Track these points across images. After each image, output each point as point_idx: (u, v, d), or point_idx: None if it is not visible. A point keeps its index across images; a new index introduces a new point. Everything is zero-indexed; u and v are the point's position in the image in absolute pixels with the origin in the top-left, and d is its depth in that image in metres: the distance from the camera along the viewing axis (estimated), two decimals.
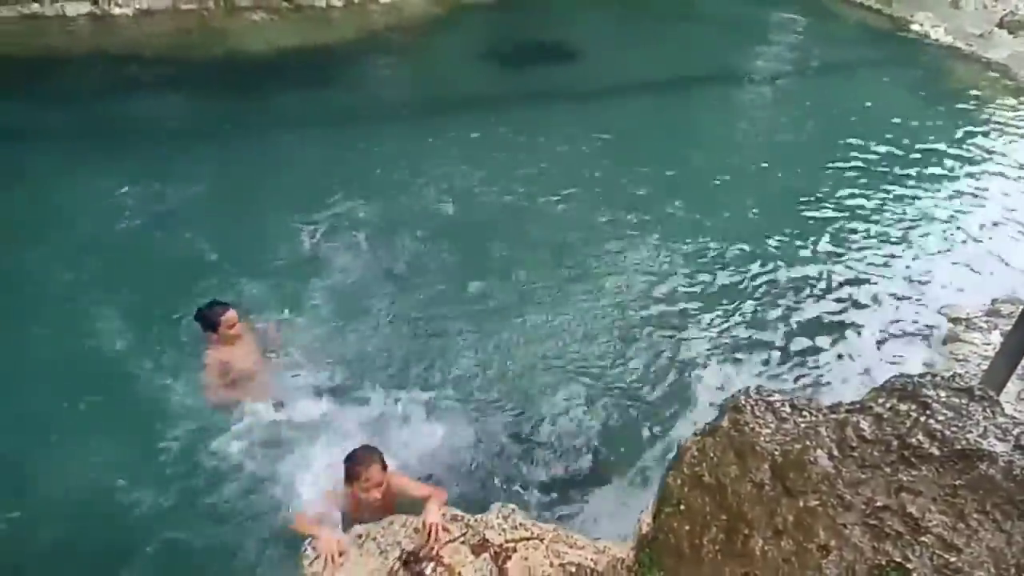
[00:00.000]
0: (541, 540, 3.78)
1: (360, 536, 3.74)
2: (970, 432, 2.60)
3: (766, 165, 8.68)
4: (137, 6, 10.95)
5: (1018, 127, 10.08)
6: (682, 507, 3.06)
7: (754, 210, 7.67)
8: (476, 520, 3.89)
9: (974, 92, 11.14)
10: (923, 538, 2.38)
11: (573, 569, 3.57)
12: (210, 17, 11.13)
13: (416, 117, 9.21)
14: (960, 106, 10.65)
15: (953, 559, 2.28)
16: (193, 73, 9.71)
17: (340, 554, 3.57)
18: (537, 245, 6.85)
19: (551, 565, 3.58)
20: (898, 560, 2.33)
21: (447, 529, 3.68)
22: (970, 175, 8.79)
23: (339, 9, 11.99)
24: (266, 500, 4.38)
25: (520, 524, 3.88)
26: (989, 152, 9.40)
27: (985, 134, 9.84)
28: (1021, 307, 4.09)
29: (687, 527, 2.99)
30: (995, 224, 7.72)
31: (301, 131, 8.56)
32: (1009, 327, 4.24)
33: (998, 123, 10.18)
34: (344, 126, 8.82)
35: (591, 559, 3.64)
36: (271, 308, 5.78)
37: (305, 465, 4.49)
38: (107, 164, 7.45)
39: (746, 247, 6.96)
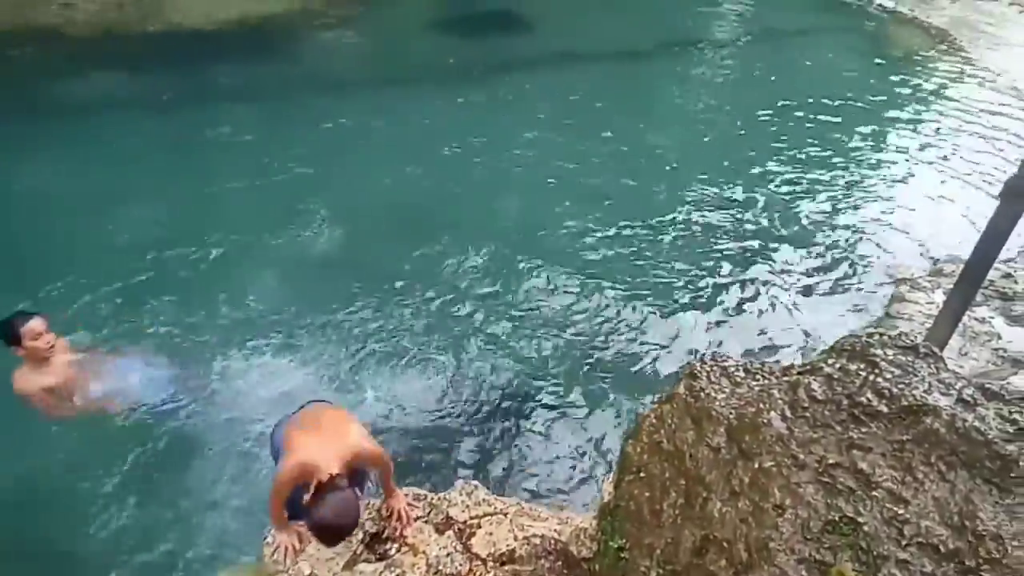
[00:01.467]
0: (505, 515, 3.80)
1: None
2: (916, 388, 2.67)
3: (714, 132, 8.76)
4: None
5: (957, 90, 10.35)
6: (642, 474, 3.10)
7: (703, 176, 7.74)
8: (439, 498, 3.88)
9: (916, 56, 11.39)
10: (874, 492, 2.44)
11: (538, 541, 3.59)
12: None
13: (362, 89, 9.01)
14: (902, 70, 10.89)
15: (901, 511, 2.35)
16: (128, 49, 9.32)
17: (300, 542, 3.52)
18: (490, 218, 6.80)
19: (515, 539, 3.60)
20: (850, 515, 2.39)
21: (410, 512, 3.66)
22: (912, 139, 9.01)
23: None
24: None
25: (483, 500, 3.89)
26: (929, 115, 9.64)
27: (925, 98, 10.09)
28: (962, 266, 4.22)
29: (647, 493, 3.02)
30: (937, 186, 7.95)
31: (244, 106, 8.31)
32: (951, 286, 4.37)
33: (937, 86, 10.44)
34: (288, 100, 8.59)
35: (555, 530, 3.68)
36: (215, 286, 5.65)
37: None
38: (31, 148, 7.13)
39: (697, 214, 7.03)
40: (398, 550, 3.53)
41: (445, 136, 8.14)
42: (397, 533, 3.58)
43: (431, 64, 10.06)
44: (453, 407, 4.86)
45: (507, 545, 3.56)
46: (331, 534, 3.16)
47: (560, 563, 3.49)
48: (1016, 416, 2.50)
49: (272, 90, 8.78)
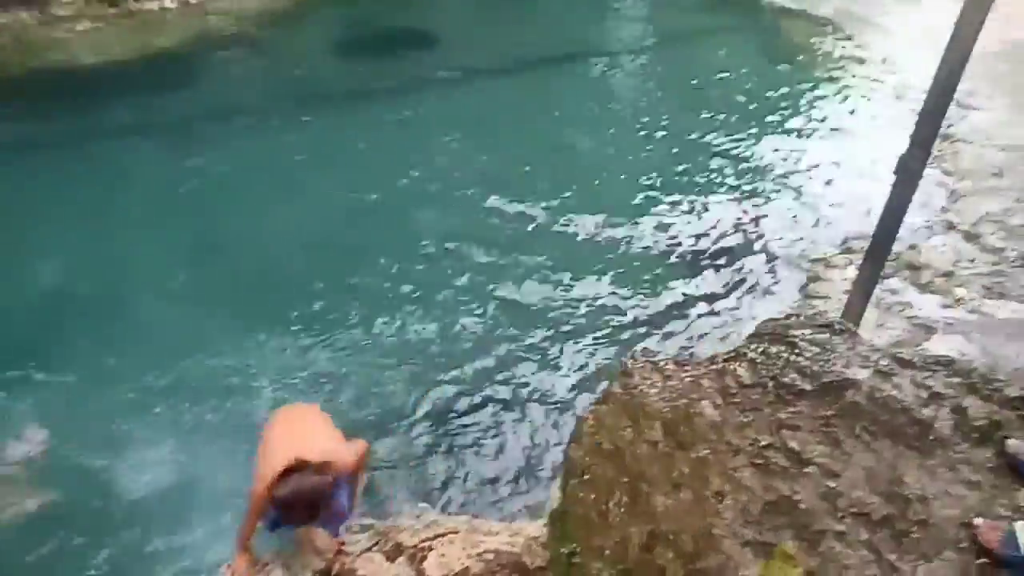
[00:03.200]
0: (456, 534, 3.75)
1: (267, 564, 3.56)
2: (835, 364, 2.78)
3: (621, 135, 8.96)
4: None
5: (848, 76, 10.93)
6: (586, 476, 3.10)
7: (617, 178, 7.90)
8: (387, 526, 3.80)
9: (807, 47, 11.98)
10: (806, 469, 2.52)
11: (491, 556, 3.56)
12: (24, 30, 10.08)
13: (268, 117, 8.77)
14: (795, 60, 11.43)
15: (834, 484, 2.43)
16: (10, 91, 8.79)
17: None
18: (410, 234, 6.73)
19: (469, 556, 3.55)
20: (787, 494, 2.46)
21: (344, 545, 3.57)
22: (811, 126, 9.45)
23: (173, 11, 11.20)
24: None
25: (433, 522, 3.83)
26: (824, 102, 10.14)
27: (819, 86, 10.61)
28: (868, 242, 4.43)
29: (593, 495, 3.03)
30: (839, 168, 8.35)
31: (143, 143, 7.97)
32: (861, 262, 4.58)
33: (830, 74, 11.00)
34: (191, 132, 8.28)
35: (507, 543, 3.65)
36: (113, 335, 5.40)
37: None
38: None
39: (612, 216, 7.14)
40: None
41: (358, 155, 8.04)
42: (346, 567, 3.48)
43: (338, 85, 9.91)
44: (389, 432, 4.76)
45: (461, 564, 3.51)
46: (289, 507, 3.10)
47: (517, 575, 3.46)
48: (928, 382, 2.63)
49: (173, 122, 8.45)
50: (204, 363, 5.23)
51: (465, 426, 4.83)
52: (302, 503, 3.08)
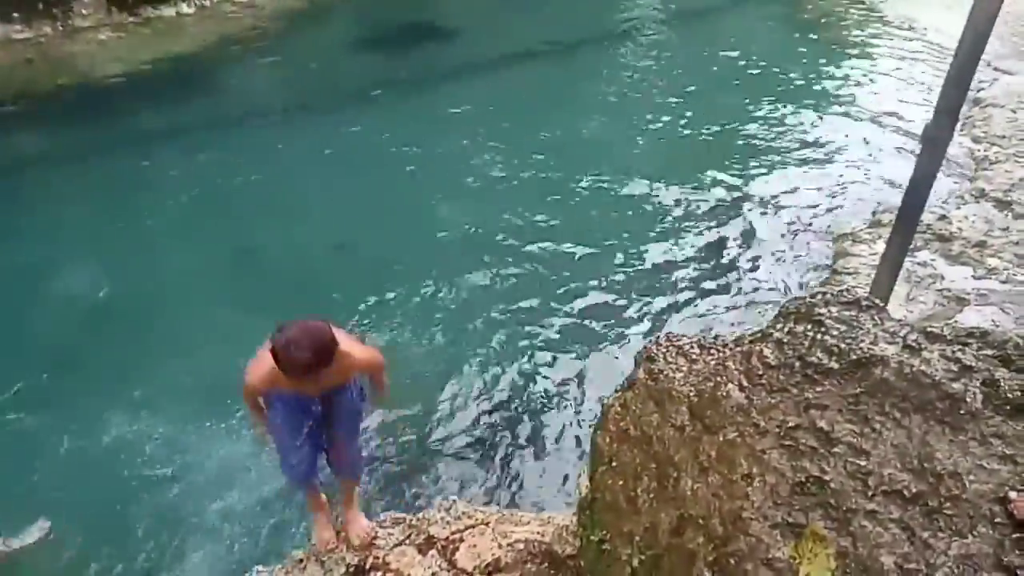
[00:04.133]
0: (487, 525, 3.77)
1: (301, 560, 3.63)
2: (862, 341, 2.72)
3: (645, 116, 8.87)
4: None
5: (872, 45, 10.69)
6: (614, 463, 3.10)
7: (640, 159, 7.83)
8: (418, 519, 3.84)
9: (831, 16, 11.72)
10: (835, 449, 2.48)
11: (522, 546, 3.58)
12: (49, 44, 10.29)
13: (289, 117, 8.87)
14: (819, 31, 11.19)
15: (864, 463, 2.39)
16: (39, 106, 8.99)
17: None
18: (438, 226, 6.76)
19: (499, 547, 3.58)
20: (816, 474, 2.42)
21: (376, 538, 3.61)
22: (835, 97, 9.26)
23: (191, 16, 11.34)
24: None
25: (463, 514, 3.86)
26: (849, 72, 9.93)
27: (843, 56, 10.39)
28: (895, 215, 4.33)
29: (621, 482, 3.02)
30: (866, 141, 8.17)
31: (168, 150, 8.10)
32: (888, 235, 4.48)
33: (853, 43, 10.76)
34: (215, 139, 8.39)
35: (538, 532, 3.67)
36: (148, 341, 5.49)
37: None
38: None
39: (634, 199, 7.10)
40: None
41: (384, 151, 8.08)
42: (379, 560, 3.52)
43: (358, 82, 9.96)
44: (419, 426, 4.80)
45: (492, 555, 3.53)
46: (292, 350, 2.70)
47: (546, 564, 3.48)
48: (958, 355, 2.57)
49: (197, 128, 8.58)
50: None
51: (492, 418, 4.85)
52: (306, 342, 2.69)
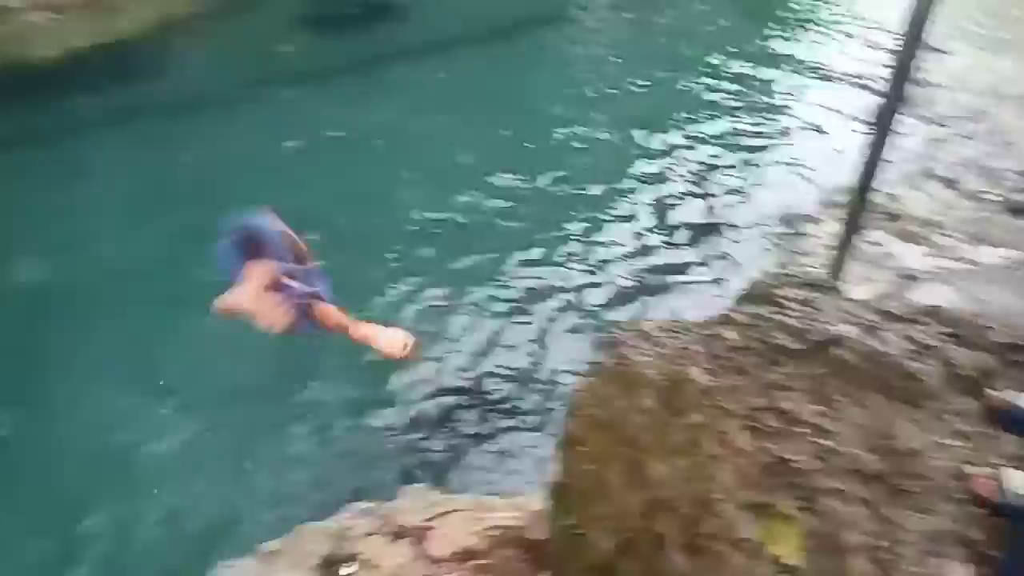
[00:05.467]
0: (459, 512, 3.77)
1: (269, 554, 3.58)
2: (822, 322, 2.79)
3: (603, 96, 8.87)
4: None
5: (822, 29, 10.86)
6: (583, 448, 3.12)
7: (594, 144, 7.83)
8: (389, 508, 3.82)
9: (773, 3, 11.86)
10: (799, 429, 2.54)
11: (495, 532, 3.59)
12: None
13: (235, 101, 8.58)
14: (768, 15, 11.33)
15: (828, 442, 2.46)
16: None
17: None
18: (389, 218, 6.65)
19: (472, 533, 3.58)
20: (781, 455, 2.48)
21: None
22: (788, 81, 9.40)
23: None
24: None
25: (435, 501, 3.85)
26: (801, 54, 10.07)
27: (793, 39, 10.54)
28: (848, 196, 4.42)
29: (591, 466, 3.05)
30: (816, 123, 8.33)
31: (107, 136, 7.78)
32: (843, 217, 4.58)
33: (804, 27, 10.92)
34: (157, 124, 8.07)
35: (511, 517, 3.68)
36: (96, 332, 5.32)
37: None
38: None
39: (592, 183, 7.10)
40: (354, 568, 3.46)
41: (332, 136, 7.90)
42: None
43: (304, 63, 9.69)
44: (387, 412, 4.77)
45: (464, 541, 3.54)
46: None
47: (521, 549, 3.50)
48: (915, 334, 2.65)
49: (138, 113, 8.24)
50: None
51: (461, 404, 4.84)
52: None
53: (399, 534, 3.64)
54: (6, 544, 4.04)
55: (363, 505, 3.86)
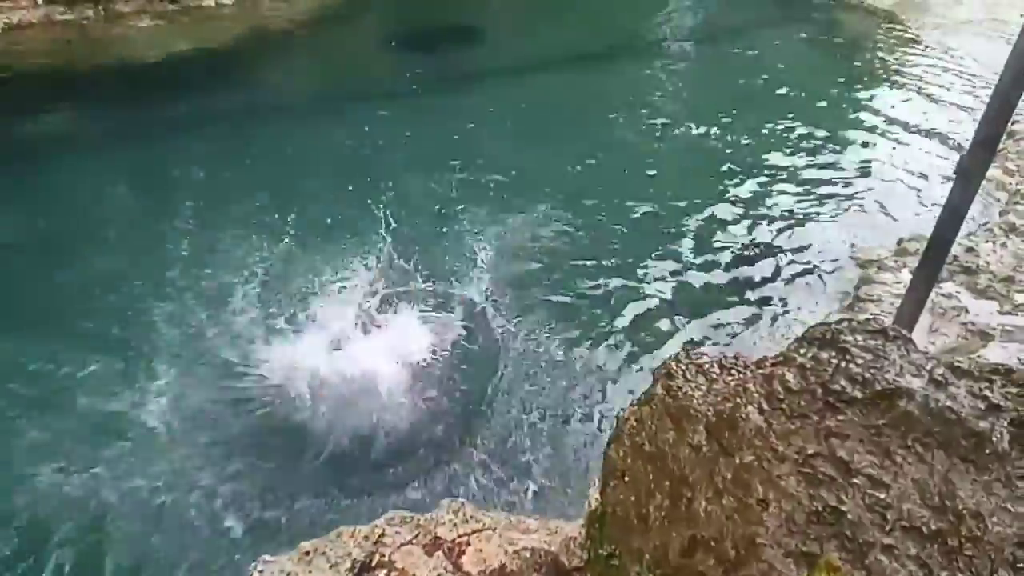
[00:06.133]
0: (493, 530, 3.76)
1: (307, 552, 3.63)
2: (887, 372, 2.68)
3: (676, 130, 8.85)
4: (6, 20, 10.18)
5: (907, 71, 10.57)
6: (626, 478, 3.08)
7: (669, 173, 7.81)
8: (426, 519, 3.84)
9: (865, 40, 11.62)
10: (854, 479, 2.44)
11: (528, 554, 3.56)
12: (90, 27, 10.46)
13: (320, 113, 8.96)
14: (854, 55, 11.10)
15: (883, 495, 2.36)
16: (76, 86, 9.14)
17: None
18: (456, 236, 6.77)
19: (506, 553, 3.56)
20: (833, 504, 2.39)
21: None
22: (867, 122, 9.17)
23: (229, 7, 11.48)
24: None
25: (471, 517, 3.85)
26: (882, 98, 9.83)
27: (877, 81, 10.29)
28: (923, 244, 4.27)
29: (633, 497, 3.00)
30: (895, 167, 8.09)
31: (200, 136, 8.21)
32: (916, 265, 4.42)
33: (888, 68, 10.65)
34: (247, 127, 8.50)
35: (545, 541, 3.65)
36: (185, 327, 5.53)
37: None
38: None
39: (660, 214, 7.08)
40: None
41: (413, 152, 8.12)
42: (386, 558, 3.51)
43: (388, 81, 10.03)
44: (431, 428, 4.81)
45: (498, 561, 3.52)
46: None
47: (552, 574, 3.46)
48: (986, 392, 2.53)
49: (228, 117, 8.69)
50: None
51: (506, 423, 4.85)
52: None
53: (434, 546, 3.65)
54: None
55: (402, 514, 3.88)
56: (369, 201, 7.18)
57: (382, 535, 3.66)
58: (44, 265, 6.16)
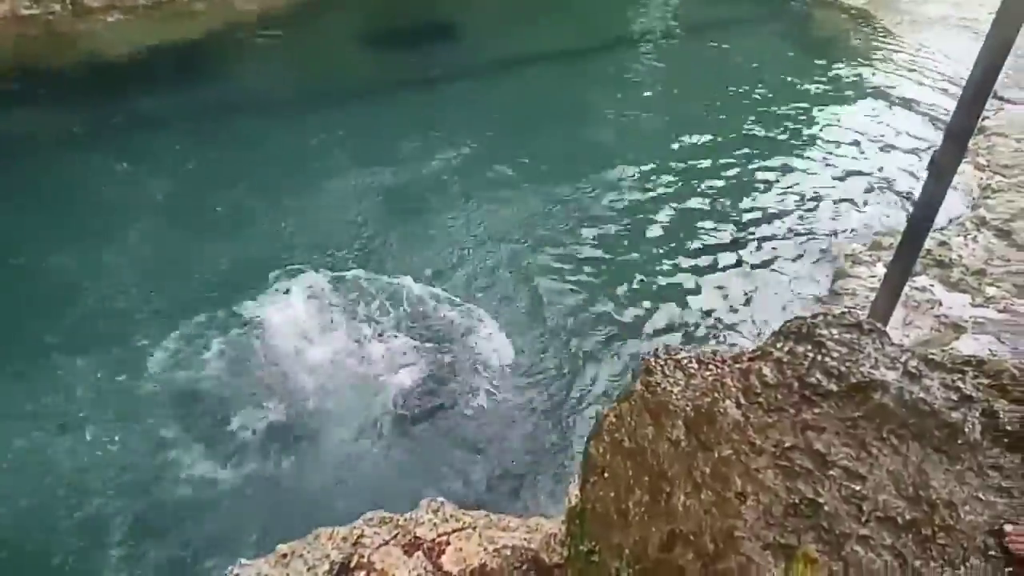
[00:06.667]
0: (474, 528, 3.75)
1: (285, 555, 3.59)
2: (863, 365, 2.71)
3: (652, 127, 8.88)
4: None
5: (882, 68, 10.71)
6: (606, 474, 3.07)
7: (643, 170, 7.83)
8: (405, 519, 3.81)
9: (840, 38, 11.75)
10: (831, 472, 2.47)
11: (508, 552, 3.55)
12: (56, 21, 10.22)
13: (295, 109, 8.84)
14: (828, 52, 11.22)
15: (859, 487, 2.38)
16: (41, 82, 8.92)
17: None
18: (434, 234, 6.73)
19: (486, 551, 3.55)
20: (810, 496, 2.41)
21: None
22: (842, 119, 9.28)
23: (201, 2, 11.29)
24: None
25: (451, 516, 3.83)
26: (857, 95, 9.94)
27: (852, 78, 10.40)
28: (896, 238, 4.33)
29: (612, 493, 3.00)
30: (869, 162, 8.19)
31: (171, 132, 8.07)
32: (891, 258, 4.48)
33: (863, 66, 10.78)
34: (219, 124, 8.37)
35: (525, 539, 3.64)
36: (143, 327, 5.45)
37: None
38: None
39: (638, 208, 7.10)
40: None
41: (385, 149, 8.05)
42: (364, 559, 3.48)
43: (361, 78, 9.93)
44: (408, 426, 4.78)
45: (478, 559, 3.51)
46: None
47: (533, 572, 3.45)
48: (958, 384, 2.56)
49: (201, 114, 8.55)
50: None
51: (484, 421, 4.83)
52: None
53: (414, 546, 3.62)
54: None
55: (380, 514, 3.85)
56: (343, 198, 7.11)
57: (361, 536, 3.63)
58: (2, 264, 6.01)
